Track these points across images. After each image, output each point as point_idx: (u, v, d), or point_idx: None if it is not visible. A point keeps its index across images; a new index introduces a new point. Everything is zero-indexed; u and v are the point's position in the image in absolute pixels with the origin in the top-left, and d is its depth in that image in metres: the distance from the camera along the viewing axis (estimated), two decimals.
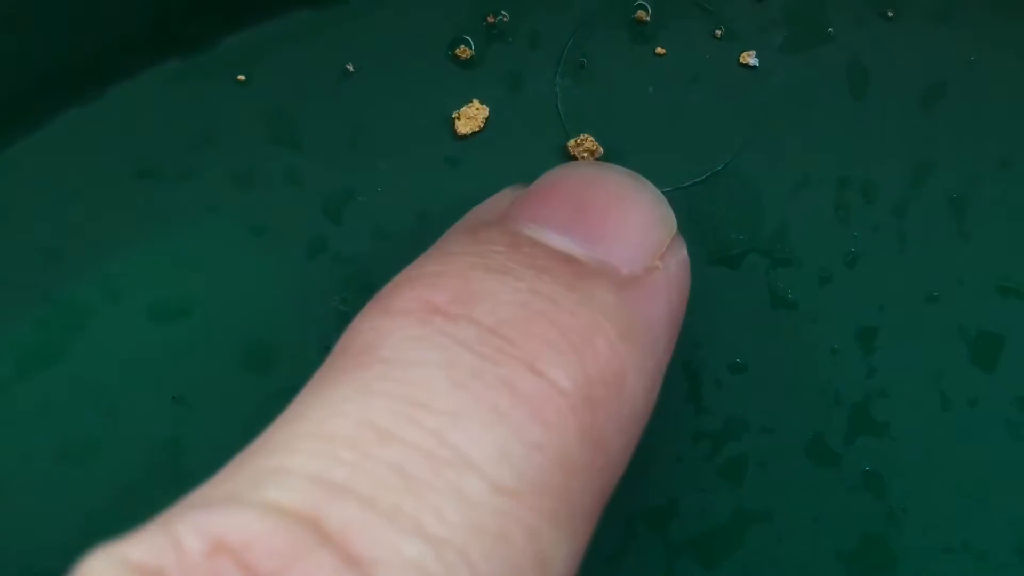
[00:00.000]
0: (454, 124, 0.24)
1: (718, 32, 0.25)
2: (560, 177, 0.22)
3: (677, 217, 0.24)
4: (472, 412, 0.17)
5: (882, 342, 0.24)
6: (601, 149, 0.24)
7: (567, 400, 0.18)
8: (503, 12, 0.25)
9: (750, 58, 0.25)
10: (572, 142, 0.24)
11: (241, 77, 0.24)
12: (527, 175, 0.24)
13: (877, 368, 0.24)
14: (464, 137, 0.24)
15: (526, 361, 0.18)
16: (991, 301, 0.24)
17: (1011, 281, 0.24)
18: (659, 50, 0.25)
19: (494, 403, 0.17)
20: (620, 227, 0.21)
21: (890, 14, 0.25)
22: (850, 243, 0.24)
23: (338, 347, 0.19)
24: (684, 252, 0.22)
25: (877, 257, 0.24)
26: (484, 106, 0.24)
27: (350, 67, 0.25)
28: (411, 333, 0.18)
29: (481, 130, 0.24)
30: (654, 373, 0.20)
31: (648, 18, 0.25)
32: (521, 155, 0.24)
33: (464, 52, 0.25)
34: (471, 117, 0.24)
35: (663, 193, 0.24)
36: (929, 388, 0.24)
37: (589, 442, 0.18)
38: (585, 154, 0.24)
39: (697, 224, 0.24)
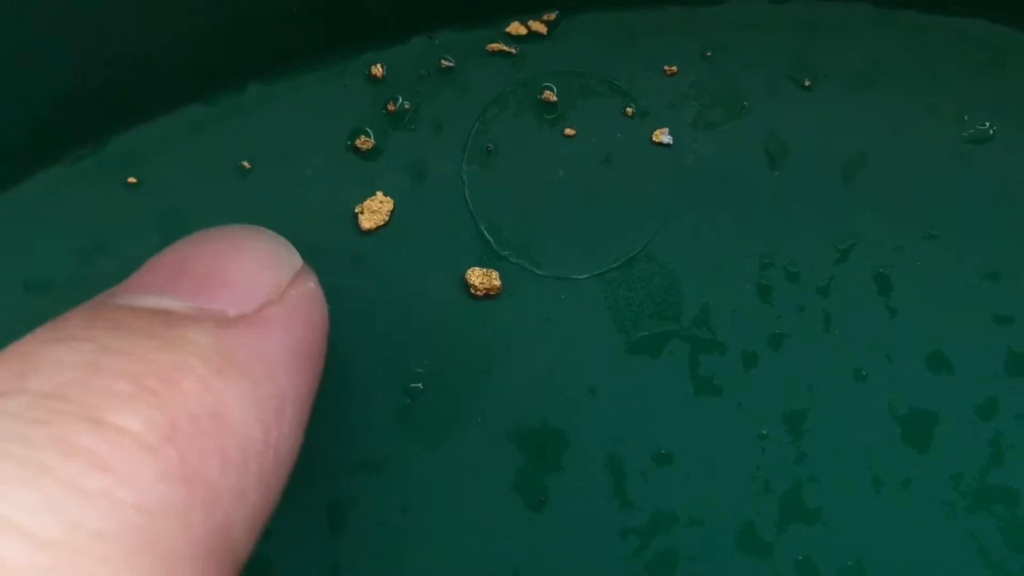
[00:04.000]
0: (358, 219, 0.23)
1: (629, 110, 0.24)
2: (169, 248, 0.22)
3: (595, 305, 0.23)
4: (11, 475, 0.16)
5: (811, 425, 0.23)
6: (498, 284, 0.23)
7: (138, 441, 0.17)
8: (404, 98, 0.24)
9: (663, 135, 0.24)
10: (470, 272, 0.23)
11: (132, 179, 0.23)
12: (437, 268, 0.23)
13: (807, 452, 0.23)
14: (369, 232, 0.23)
15: (87, 416, 0.17)
16: (922, 377, 0.23)
17: (942, 356, 0.23)
18: (568, 131, 0.24)
19: (39, 461, 0.17)
20: (224, 275, 0.21)
21: (807, 83, 0.24)
22: (774, 324, 0.24)
23: None
24: (310, 284, 0.22)
25: (803, 337, 0.24)
26: (388, 198, 0.23)
27: (246, 164, 0.23)
28: None
29: (386, 223, 0.23)
30: (275, 403, 0.20)
31: (555, 98, 0.24)
32: (430, 248, 0.23)
33: (365, 143, 0.23)
34: (375, 210, 0.23)
35: (581, 280, 0.23)
36: (861, 471, 0.23)
37: (176, 479, 0.17)
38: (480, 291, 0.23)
39: (616, 311, 0.24)
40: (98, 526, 0.16)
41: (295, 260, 0.22)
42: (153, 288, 0.20)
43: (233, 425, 0.19)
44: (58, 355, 0.18)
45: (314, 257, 0.23)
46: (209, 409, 0.18)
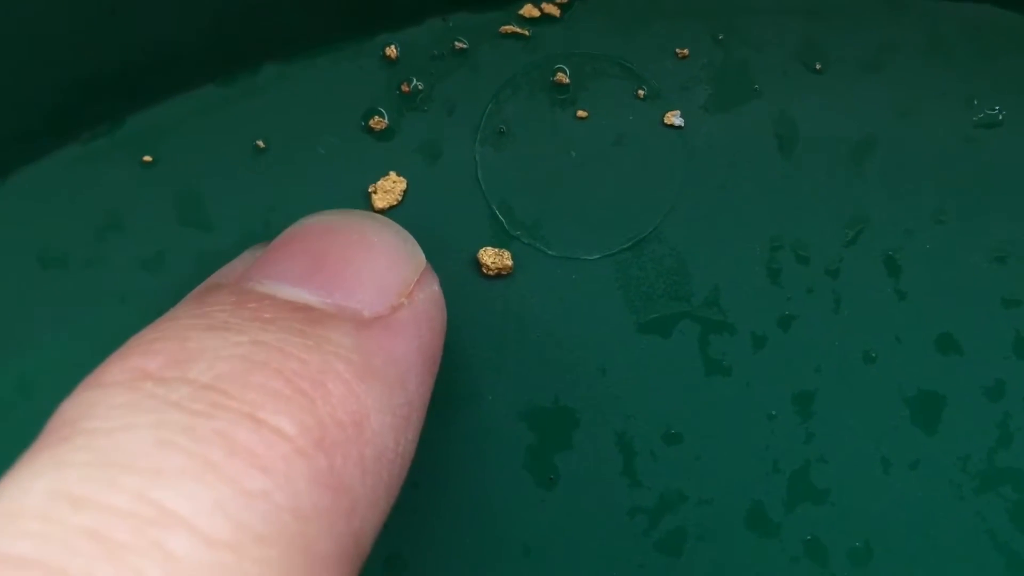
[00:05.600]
0: (371, 198, 0.24)
1: (640, 92, 0.24)
2: (297, 231, 0.21)
3: (606, 285, 0.24)
4: (180, 467, 0.16)
5: (820, 406, 0.24)
6: (510, 264, 0.23)
7: (293, 445, 0.17)
8: (417, 80, 0.24)
9: (674, 118, 0.24)
10: (482, 252, 0.24)
11: (147, 158, 0.24)
12: (449, 248, 0.24)
13: (815, 433, 0.24)
14: (382, 211, 0.24)
15: (245, 412, 0.17)
16: (930, 359, 0.24)
17: (950, 338, 0.24)
18: (580, 113, 0.24)
19: (206, 456, 0.17)
20: (359, 272, 0.20)
21: (818, 67, 0.24)
22: (784, 305, 0.24)
23: (44, 428, 0.18)
24: (435, 287, 0.22)
25: (812, 319, 0.24)
26: (402, 178, 0.24)
27: (260, 143, 0.24)
28: (118, 401, 0.17)
29: (399, 203, 0.24)
30: (404, 410, 0.20)
31: (568, 80, 0.24)
32: (442, 227, 0.24)
33: (379, 123, 0.24)
34: (388, 190, 0.24)
35: (592, 261, 0.24)
36: (869, 452, 0.24)
37: (326, 486, 0.17)
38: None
39: (626, 291, 0.24)
40: (260, 529, 0.16)
41: (420, 258, 0.22)
42: (289, 277, 0.20)
43: (371, 433, 0.19)
44: (213, 345, 0.18)
45: None
46: (353, 416, 0.18)
